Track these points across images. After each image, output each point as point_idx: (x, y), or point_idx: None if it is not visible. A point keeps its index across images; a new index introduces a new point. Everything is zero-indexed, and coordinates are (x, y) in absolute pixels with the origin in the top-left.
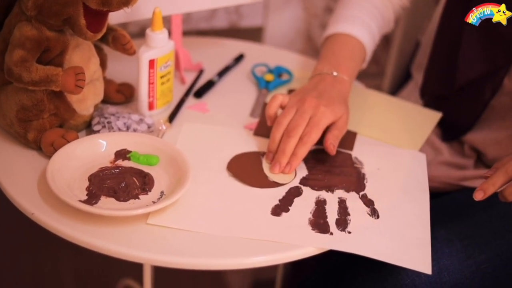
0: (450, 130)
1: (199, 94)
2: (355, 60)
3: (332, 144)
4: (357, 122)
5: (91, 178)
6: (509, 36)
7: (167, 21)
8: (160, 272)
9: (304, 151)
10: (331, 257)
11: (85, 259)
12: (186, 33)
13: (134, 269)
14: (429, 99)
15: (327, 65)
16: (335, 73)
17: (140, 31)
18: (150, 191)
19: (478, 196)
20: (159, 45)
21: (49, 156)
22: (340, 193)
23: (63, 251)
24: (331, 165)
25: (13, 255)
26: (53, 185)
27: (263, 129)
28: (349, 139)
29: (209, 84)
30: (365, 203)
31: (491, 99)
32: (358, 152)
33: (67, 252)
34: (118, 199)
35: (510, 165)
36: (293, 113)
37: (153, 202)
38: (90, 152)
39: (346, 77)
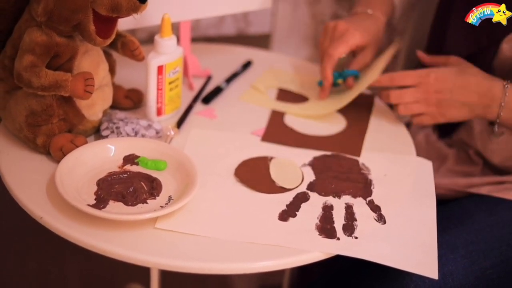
0: (443, 126)
1: (207, 100)
2: (386, 4)
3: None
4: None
5: (100, 182)
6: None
7: (175, 28)
8: (167, 276)
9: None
10: (338, 262)
11: (91, 263)
12: (195, 40)
13: (141, 273)
14: None
15: (362, 6)
16: (369, 11)
17: (149, 37)
18: (158, 195)
19: (382, 80)
20: (167, 52)
21: (57, 160)
22: (347, 198)
23: (70, 255)
24: (338, 171)
25: (19, 259)
26: (61, 190)
27: (270, 135)
28: (356, 145)
29: (217, 91)
30: (372, 209)
31: None
32: (365, 158)
33: (74, 255)
34: (126, 203)
35: (422, 72)
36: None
37: (161, 206)
38: (99, 157)
39: (381, 16)
